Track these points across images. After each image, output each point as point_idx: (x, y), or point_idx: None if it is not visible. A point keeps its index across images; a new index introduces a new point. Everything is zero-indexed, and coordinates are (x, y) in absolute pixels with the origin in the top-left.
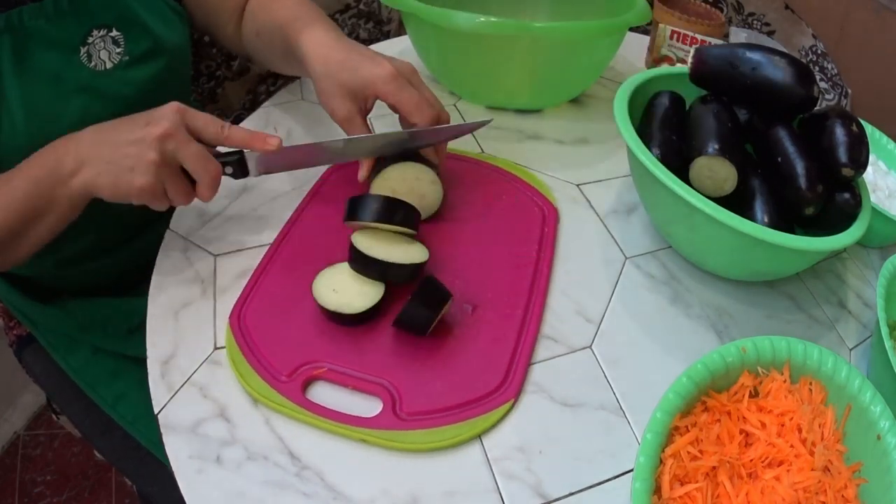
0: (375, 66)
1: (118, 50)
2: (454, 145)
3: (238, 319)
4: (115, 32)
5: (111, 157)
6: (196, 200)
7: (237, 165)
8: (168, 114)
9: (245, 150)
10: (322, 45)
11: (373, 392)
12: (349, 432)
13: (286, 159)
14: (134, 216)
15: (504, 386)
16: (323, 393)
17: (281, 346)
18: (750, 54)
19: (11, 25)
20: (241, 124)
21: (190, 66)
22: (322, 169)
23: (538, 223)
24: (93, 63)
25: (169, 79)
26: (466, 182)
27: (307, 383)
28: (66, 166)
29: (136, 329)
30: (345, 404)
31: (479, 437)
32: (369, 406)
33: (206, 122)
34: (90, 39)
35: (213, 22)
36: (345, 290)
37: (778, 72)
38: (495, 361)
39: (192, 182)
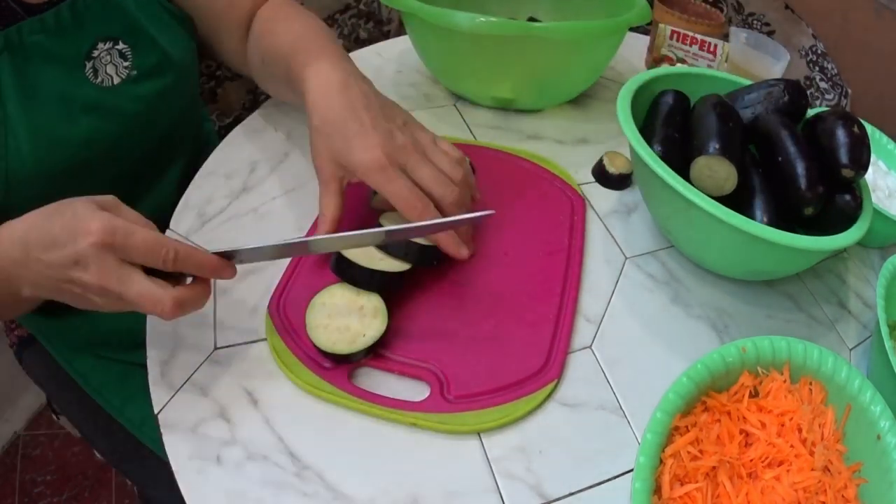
0: (365, 151)
1: (125, 64)
2: (467, 138)
3: (278, 309)
4: (121, 45)
5: (62, 295)
6: (197, 199)
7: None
8: (91, 255)
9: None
10: (325, 92)
11: (419, 377)
12: (400, 417)
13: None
14: None
15: (548, 366)
16: (364, 380)
17: None
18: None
19: (10, 43)
20: (242, 124)
21: (197, 81)
22: None
23: (567, 212)
24: (99, 79)
25: (176, 94)
26: (493, 173)
27: (352, 370)
28: (22, 291)
29: (143, 344)
30: (388, 391)
31: (478, 435)
32: (413, 392)
33: (146, 251)
34: (95, 53)
35: (216, 36)
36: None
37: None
38: (537, 343)
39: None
